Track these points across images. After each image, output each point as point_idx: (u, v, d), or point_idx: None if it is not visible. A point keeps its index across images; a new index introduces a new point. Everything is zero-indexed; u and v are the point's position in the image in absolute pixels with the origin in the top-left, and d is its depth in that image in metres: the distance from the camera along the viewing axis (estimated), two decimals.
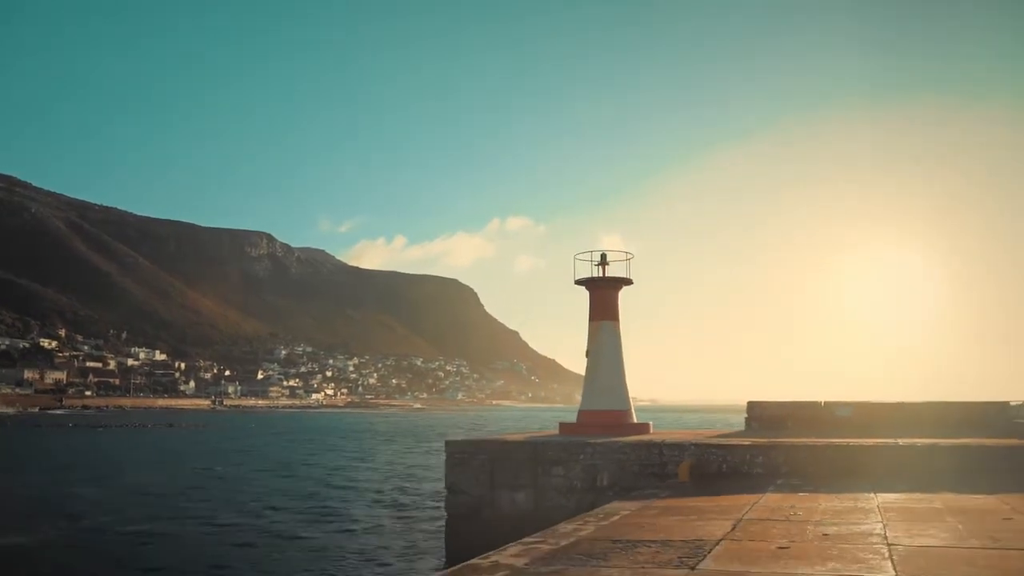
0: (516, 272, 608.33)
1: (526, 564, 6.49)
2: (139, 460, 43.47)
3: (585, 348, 18.17)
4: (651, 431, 17.47)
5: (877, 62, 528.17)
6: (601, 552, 6.85)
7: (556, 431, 17.99)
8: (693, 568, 6.01)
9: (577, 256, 18.28)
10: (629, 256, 18.25)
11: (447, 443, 15.75)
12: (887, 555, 6.24)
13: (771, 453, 13.15)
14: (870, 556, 6.22)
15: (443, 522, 15.95)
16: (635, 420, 17.63)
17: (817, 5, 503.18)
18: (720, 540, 7.19)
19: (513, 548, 7.27)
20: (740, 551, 6.66)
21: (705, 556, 6.46)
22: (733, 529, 7.82)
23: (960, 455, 13.02)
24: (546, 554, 6.89)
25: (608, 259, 18.23)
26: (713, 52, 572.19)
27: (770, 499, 10.12)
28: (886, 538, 7.00)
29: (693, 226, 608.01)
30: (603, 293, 17.96)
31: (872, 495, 10.16)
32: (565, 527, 8.57)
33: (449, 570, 6.55)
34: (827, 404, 17.67)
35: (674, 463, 13.67)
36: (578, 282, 18.26)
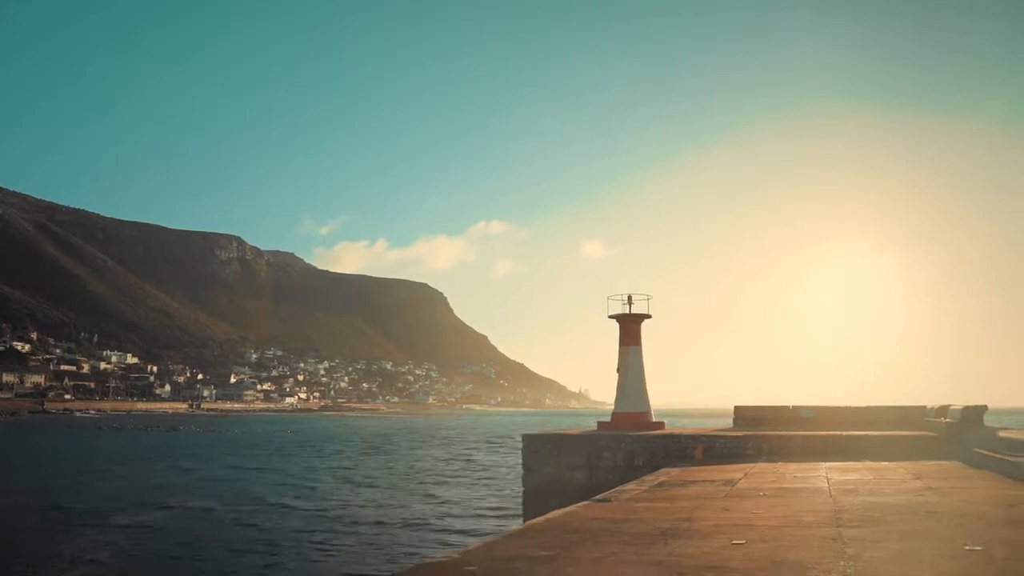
0: (494, 277, 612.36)
1: (645, 490, 12.71)
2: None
3: (616, 365, 24.52)
4: (666, 427, 23.86)
5: (859, 69, 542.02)
6: (680, 483, 13.15)
7: (592, 428, 24.29)
8: (733, 486, 12.32)
9: (610, 297, 24.79)
10: (649, 297, 24.69)
11: (524, 436, 21.88)
12: (826, 483, 12.65)
13: (758, 440, 19.59)
14: (819, 482, 12.66)
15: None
16: (654, 419, 24.03)
17: (801, 8, 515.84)
18: (740, 479, 13.53)
19: (630, 485, 13.48)
20: (753, 482, 13.01)
21: (736, 483, 12.79)
22: (745, 476, 14.16)
23: (881, 441, 19.60)
24: (651, 487, 13.12)
25: (633, 299, 24.61)
26: (694, 54, 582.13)
27: (761, 465, 16.51)
28: (827, 477, 13.44)
29: (671, 232, 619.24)
30: (630, 326, 24.37)
31: (822, 463, 16.61)
32: (647, 477, 14.81)
33: (603, 493, 12.69)
34: (795, 407, 24.28)
35: (691, 448, 20.00)
36: (611, 317, 24.62)
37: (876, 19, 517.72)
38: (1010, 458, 13.03)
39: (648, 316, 24.59)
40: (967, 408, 20.11)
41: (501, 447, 61.70)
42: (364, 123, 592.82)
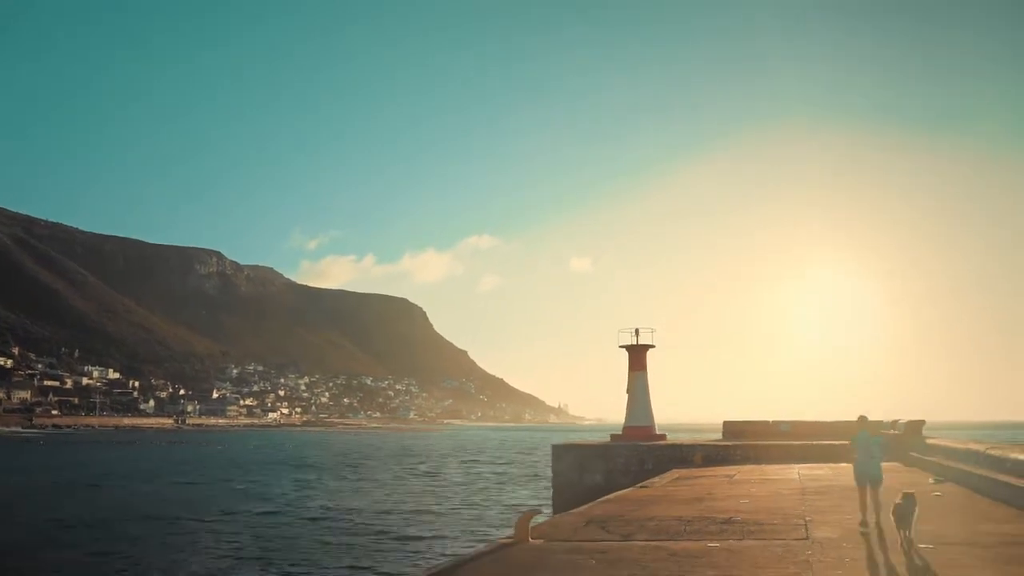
0: (480, 291, 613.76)
1: (669, 482, 17.55)
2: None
3: (626, 387, 29.47)
4: (667, 439, 28.77)
5: (846, 86, 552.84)
6: (692, 478, 18.04)
7: (605, 440, 29.15)
8: (732, 479, 17.23)
9: (620, 330, 29.69)
10: (653, 329, 29.75)
11: (553, 446, 26.63)
12: (797, 475, 17.64)
13: (745, 449, 24.56)
14: (792, 475, 17.66)
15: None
16: (657, 432, 28.96)
17: (792, 22, 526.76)
18: (735, 475, 18.46)
19: (654, 479, 18.33)
20: (745, 476, 17.94)
21: (733, 477, 17.71)
22: (738, 473, 19.09)
23: (842, 448, 24.62)
24: (671, 480, 17.97)
25: (640, 331, 29.62)
26: (682, 70, 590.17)
27: (749, 467, 21.48)
28: (799, 472, 18.45)
29: (658, 250, 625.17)
30: (637, 354, 29.36)
31: (795, 465, 21.62)
32: (664, 475, 19.65)
33: (640, 483, 17.50)
34: (774, 422, 29.33)
35: (691, 455, 24.88)
36: (621, 346, 29.55)
37: (864, 37, 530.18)
38: (927, 458, 18.09)
39: (652, 346, 29.60)
40: (909, 422, 25.27)
41: (499, 459, 66.38)
42: (353, 139, 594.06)
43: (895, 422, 27.71)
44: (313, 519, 27.27)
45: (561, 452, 26.42)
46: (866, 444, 10.17)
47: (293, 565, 18.38)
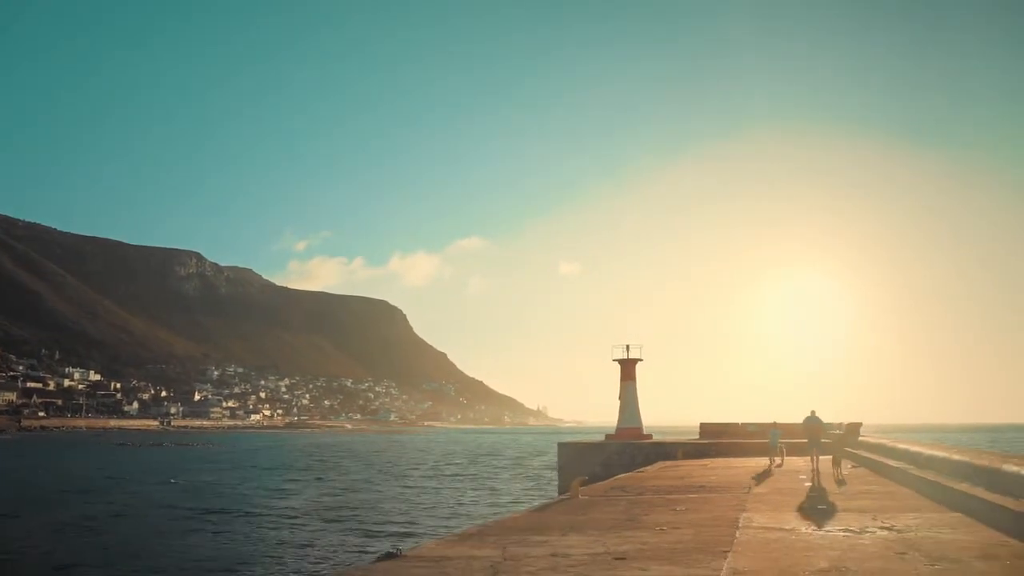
0: (468, 294, 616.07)
1: (658, 469, 22.97)
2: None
3: (618, 394, 34.95)
4: (652, 438, 34.28)
5: (830, 94, 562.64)
6: (675, 466, 23.55)
7: (601, 439, 34.59)
8: (706, 467, 22.72)
9: (613, 345, 35.22)
10: (641, 346, 35.27)
11: (559, 444, 31.98)
12: (756, 464, 23.14)
13: (718, 446, 30.11)
14: (751, 464, 23.15)
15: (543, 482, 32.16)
16: (644, 432, 34.47)
17: (778, 29, 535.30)
18: (709, 464, 23.97)
19: (649, 467, 23.75)
20: (716, 465, 23.49)
21: (707, 466, 23.22)
22: (711, 463, 24.58)
23: (795, 446, 30.23)
24: (659, 468, 23.39)
25: (630, 347, 35.15)
26: (672, 72, 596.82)
27: (721, 460, 27.00)
28: (757, 463, 23.93)
29: (642, 253, 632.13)
30: (628, 367, 34.85)
31: (758, 458, 27.10)
32: (654, 465, 25.06)
33: (636, 470, 22.88)
34: (743, 424, 34.93)
35: (674, 451, 30.35)
36: (614, 360, 35.02)
37: (851, 41, 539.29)
38: (857, 452, 23.74)
39: (640, 359, 35.12)
40: (849, 424, 31.01)
41: (495, 461, 71.59)
42: (341, 140, 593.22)
43: (840, 424, 33.46)
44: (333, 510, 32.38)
45: (566, 448, 31.84)
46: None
47: (329, 555, 23.50)
